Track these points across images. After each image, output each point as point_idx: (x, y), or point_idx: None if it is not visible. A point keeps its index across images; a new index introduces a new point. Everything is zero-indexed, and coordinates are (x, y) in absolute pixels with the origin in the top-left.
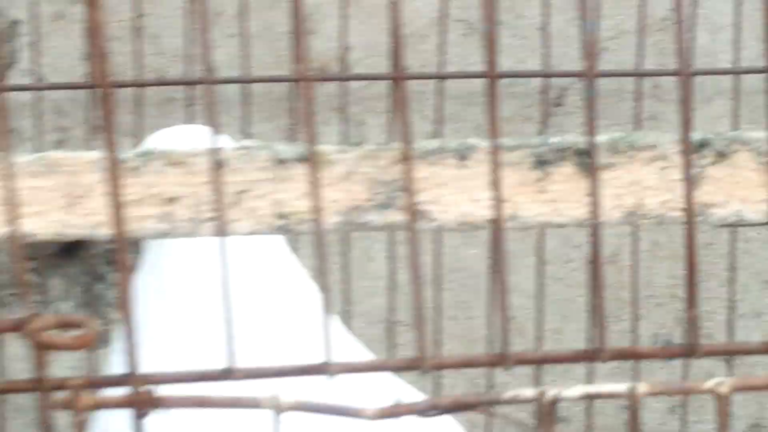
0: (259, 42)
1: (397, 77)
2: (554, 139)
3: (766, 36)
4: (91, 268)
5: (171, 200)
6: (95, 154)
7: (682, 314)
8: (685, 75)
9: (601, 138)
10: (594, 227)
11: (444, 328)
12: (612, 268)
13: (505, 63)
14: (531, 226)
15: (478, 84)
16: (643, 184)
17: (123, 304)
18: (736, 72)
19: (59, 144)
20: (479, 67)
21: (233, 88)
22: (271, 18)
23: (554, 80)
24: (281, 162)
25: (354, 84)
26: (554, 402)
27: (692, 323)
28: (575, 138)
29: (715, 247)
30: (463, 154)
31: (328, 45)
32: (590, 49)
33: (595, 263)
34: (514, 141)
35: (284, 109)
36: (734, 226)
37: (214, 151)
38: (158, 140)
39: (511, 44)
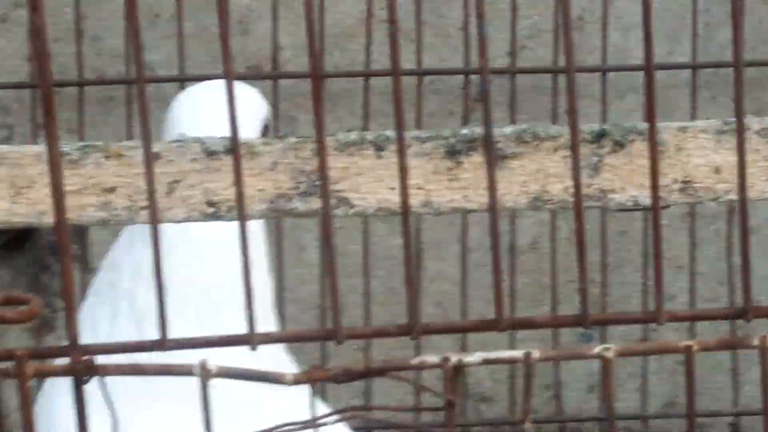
0: (195, 42)
1: (315, 76)
2: (464, 131)
3: (693, 34)
4: (37, 259)
5: (109, 190)
6: (38, 148)
7: (597, 297)
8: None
9: (508, 129)
10: (493, 212)
11: (374, 314)
12: (533, 255)
13: (428, 61)
14: (443, 212)
15: (404, 81)
16: (547, 172)
17: (65, 286)
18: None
19: (5, 140)
20: (405, 65)
21: (171, 87)
22: (205, 19)
23: (475, 77)
24: (211, 154)
25: (284, 82)
26: (457, 367)
27: (583, 296)
28: (483, 129)
29: (630, 234)
30: (379, 145)
31: (261, 45)
32: (512, 48)
33: (494, 247)
34: (427, 132)
35: None
36: (631, 210)
37: (148, 145)
38: (188, 97)
39: (434, 43)
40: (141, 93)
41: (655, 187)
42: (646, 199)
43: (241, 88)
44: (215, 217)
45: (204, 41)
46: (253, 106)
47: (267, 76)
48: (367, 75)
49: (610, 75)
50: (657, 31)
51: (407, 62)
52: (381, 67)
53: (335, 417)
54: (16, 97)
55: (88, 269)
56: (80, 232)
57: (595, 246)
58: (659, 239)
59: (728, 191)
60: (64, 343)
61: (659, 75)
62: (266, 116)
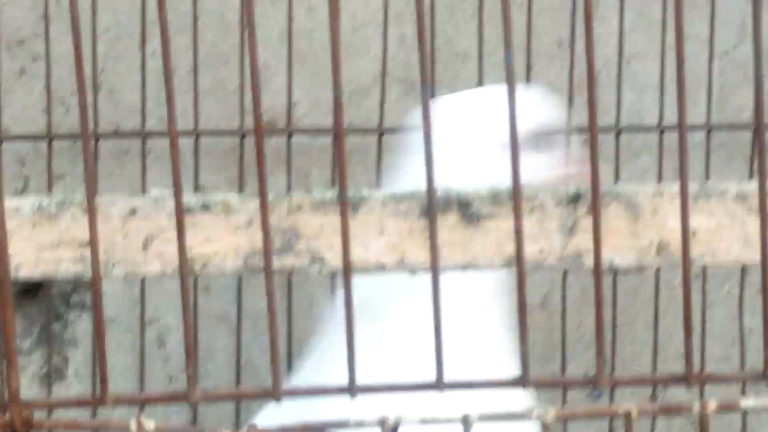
0: (210, 97)
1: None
2: (440, 191)
3: (708, 96)
4: (50, 308)
5: (85, 245)
6: (17, 202)
7: (608, 356)
8: (616, 132)
9: (483, 189)
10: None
11: None
12: (543, 313)
13: None
14: (418, 272)
15: None
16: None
17: (5, 339)
18: (660, 129)
19: (20, 191)
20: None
21: (185, 141)
22: (221, 75)
23: None
24: (187, 211)
25: (298, 138)
26: (395, 426)
27: (525, 357)
28: (459, 189)
29: (641, 292)
30: (355, 204)
31: (276, 100)
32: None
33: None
34: (402, 192)
35: (233, 162)
36: (605, 272)
37: (127, 201)
38: (447, 104)
39: None
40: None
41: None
42: (620, 260)
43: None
44: (189, 272)
45: (220, 96)
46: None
47: (281, 131)
48: (381, 132)
49: (624, 135)
50: (670, 91)
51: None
52: (394, 124)
53: None
54: (33, 148)
55: None
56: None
57: (607, 303)
58: (688, 303)
59: (703, 255)
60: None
61: (672, 136)
62: (543, 123)
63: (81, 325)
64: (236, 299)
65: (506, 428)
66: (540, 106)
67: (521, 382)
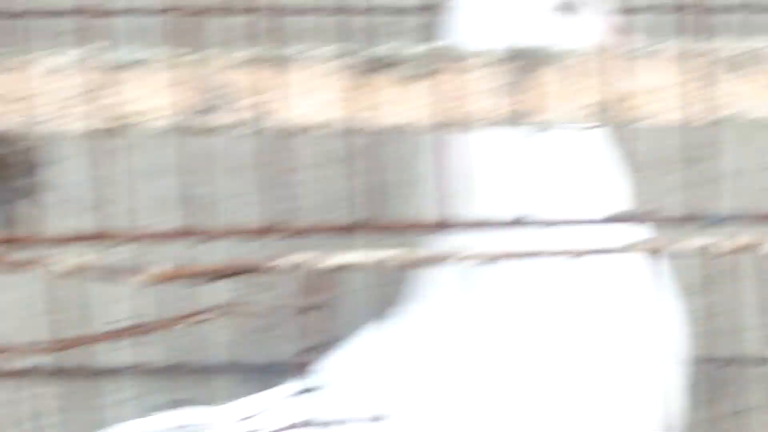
0: None
1: None
2: (379, 48)
3: None
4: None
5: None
6: None
7: None
8: None
9: (421, 47)
10: None
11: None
12: None
13: None
14: (356, 131)
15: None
16: (463, 91)
17: None
18: None
19: None
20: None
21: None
22: None
23: None
24: (119, 67)
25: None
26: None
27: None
28: (399, 47)
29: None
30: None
31: None
32: None
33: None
34: (336, 49)
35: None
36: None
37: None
38: None
39: None
40: None
41: None
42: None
43: None
44: (122, 130)
45: None
46: None
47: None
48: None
49: None
50: None
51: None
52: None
53: (209, 314)
54: None
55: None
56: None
57: None
58: None
59: (644, 116)
60: None
61: None
62: None
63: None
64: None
65: None
66: None
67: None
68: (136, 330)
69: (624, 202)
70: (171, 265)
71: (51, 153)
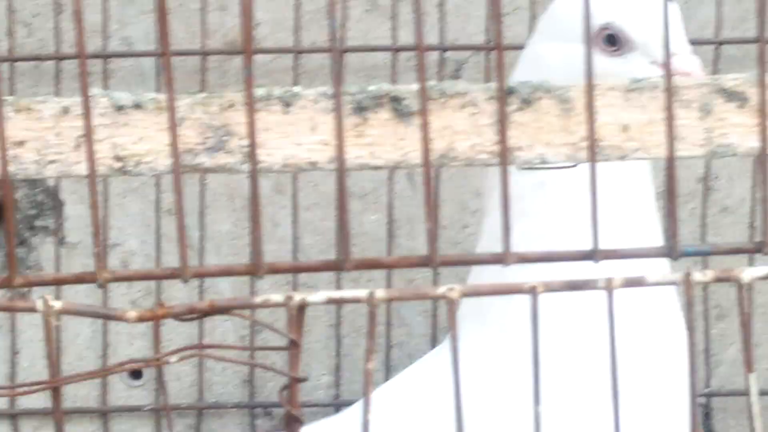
0: (174, 18)
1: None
2: (371, 88)
3: None
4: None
5: (18, 144)
6: None
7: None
8: None
9: (413, 86)
10: None
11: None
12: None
13: (405, 37)
14: (351, 169)
15: (380, 57)
16: (453, 129)
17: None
18: None
19: None
20: (381, 41)
21: (148, 62)
22: None
23: (450, 53)
24: (119, 108)
25: (261, 57)
26: (301, 306)
27: (432, 238)
28: (390, 86)
29: None
30: (287, 101)
31: (238, 21)
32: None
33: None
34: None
35: (196, 81)
36: (538, 168)
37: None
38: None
39: (410, 20)
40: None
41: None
42: (552, 156)
43: None
44: (122, 171)
45: (183, 17)
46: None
47: (242, 51)
48: (345, 50)
49: None
50: None
51: (384, 39)
52: (357, 43)
53: (176, 356)
54: None
55: (63, 243)
56: (57, 206)
57: None
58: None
59: (636, 150)
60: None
61: None
62: (609, 23)
63: (45, 249)
64: (199, 222)
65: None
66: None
67: (426, 261)
68: (101, 372)
69: (658, 235)
70: (152, 306)
71: (54, 195)
